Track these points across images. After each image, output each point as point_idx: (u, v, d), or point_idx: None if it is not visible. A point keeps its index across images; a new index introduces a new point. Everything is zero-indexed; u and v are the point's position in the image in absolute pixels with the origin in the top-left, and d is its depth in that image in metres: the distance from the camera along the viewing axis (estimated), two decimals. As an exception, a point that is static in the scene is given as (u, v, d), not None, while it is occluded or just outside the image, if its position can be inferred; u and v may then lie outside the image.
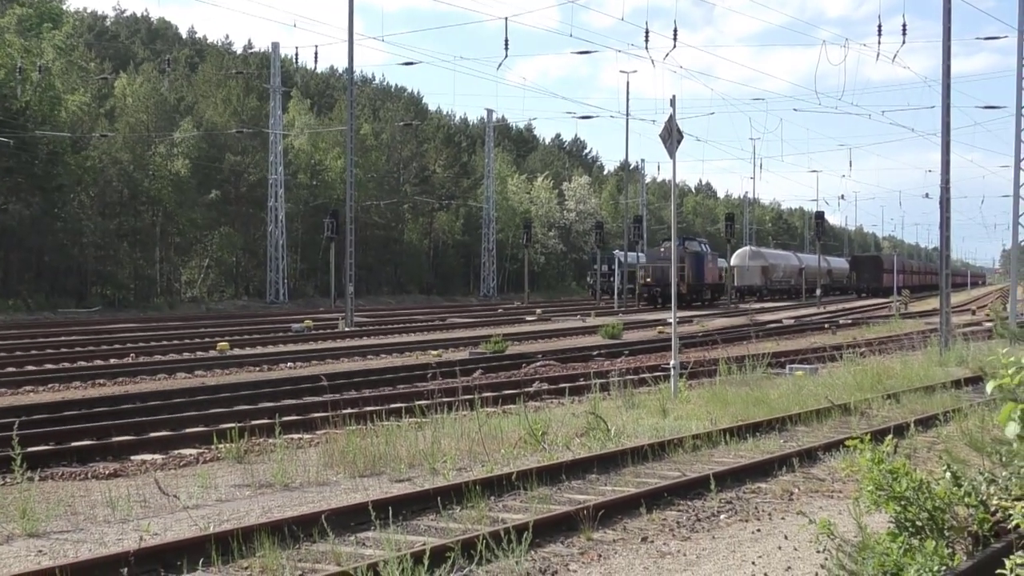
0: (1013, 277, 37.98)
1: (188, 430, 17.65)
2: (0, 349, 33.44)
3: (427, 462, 13.86)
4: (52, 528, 10.91)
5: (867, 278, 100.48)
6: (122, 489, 12.55)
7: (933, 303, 58.56)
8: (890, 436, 9.24)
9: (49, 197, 62.96)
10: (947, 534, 7.83)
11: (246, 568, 9.41)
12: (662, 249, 68.92)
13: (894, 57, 47.10)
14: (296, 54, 79.69)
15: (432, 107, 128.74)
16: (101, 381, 25.40)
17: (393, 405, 19.44)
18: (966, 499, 7.94)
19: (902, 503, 7.85)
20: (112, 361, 30.80)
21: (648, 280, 68.80)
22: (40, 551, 10.09)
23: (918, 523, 7.83)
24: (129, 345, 35.40)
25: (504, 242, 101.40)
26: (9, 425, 13.90)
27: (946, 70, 31.34)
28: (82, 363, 30.08)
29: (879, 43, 39.13)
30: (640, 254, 74.40)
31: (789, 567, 9.51)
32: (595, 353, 32.49)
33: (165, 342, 36.98)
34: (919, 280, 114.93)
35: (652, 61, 66.15)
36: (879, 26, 38.03)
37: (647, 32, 40.76)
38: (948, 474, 8.11)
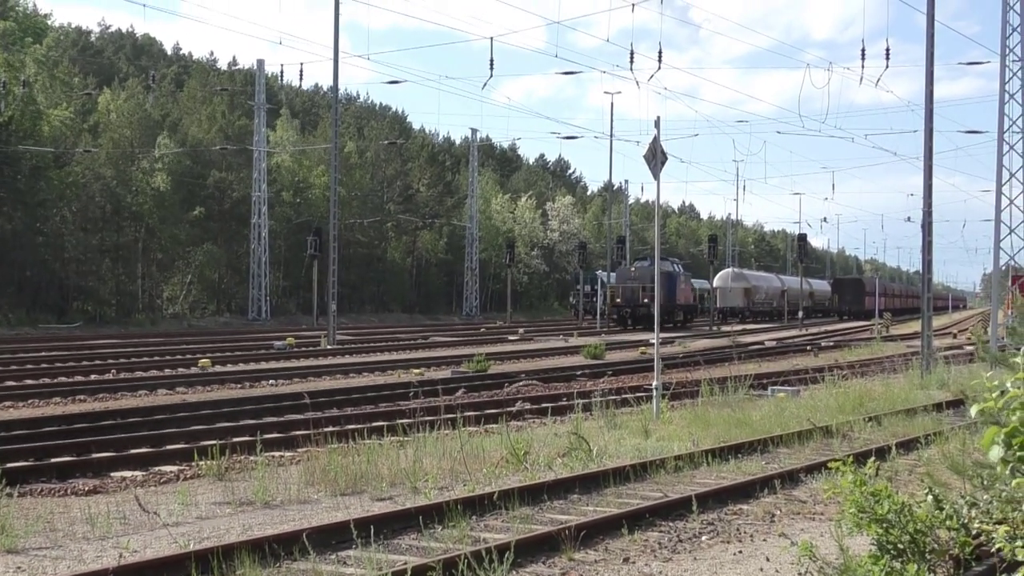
0: (994, 301, 38.10)
1: (169, 447, 17.58)
2: (-20, 364, 33.31)
3: (409, 481, 13.83)
4: (31, 544, 10.85)
5: (849, 300, 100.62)
6: (102, 506, 12.51)
7: (915, 326, 58.81)
8: (872, 459, 9.28)
9: (31, 212, 62.78)
10: (929, 557, 7.85)
11: (226, 586, 9.36)
12: (632, 269, 68.19)
13: (877, 81, 47.25)
14: (281, 71, 79.32)
15: (416, 126, 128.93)
16: (81, 397, 25.29)
17: (375, 423, 19.43)
18: (948, 522, 7.96)
19: (884, 525, 7.86)
20: (93, 377, 30.67)
21: (618, 301, 67.71)
22: (19, 568, 10.03)
23: (900, 546, 7.85)
24: (110, 361, 35.30)
25: (487, 261, 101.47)
26: (-12, 440, 13.83)
27: (929, 95, 31.49)
28: (62, 379, 29.91)
29: (862, 67, 39.54)
30: (611, 274, 73.96)
31: (771, 589, 9.50)
32: (578, 373, 32.47)
33: (146, 358, 36.87)
34: (900, 303, 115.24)
35: (637, 82, 66.14)
36: (862, 50, 38.32)
37: (632, 53, 40.75)
38: (930, 497, 8.13)
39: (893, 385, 26.05)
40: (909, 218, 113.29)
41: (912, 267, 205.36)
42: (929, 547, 7.87)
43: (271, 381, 29.94)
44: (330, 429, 17.52)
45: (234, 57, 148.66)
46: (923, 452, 16.21)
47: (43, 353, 38.26)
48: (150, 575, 9.35)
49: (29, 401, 24.34)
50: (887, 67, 39.38)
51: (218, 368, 33.56)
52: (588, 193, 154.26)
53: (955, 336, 62.32)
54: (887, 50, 38.15)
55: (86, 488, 14.40)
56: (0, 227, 61.21)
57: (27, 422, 19.94)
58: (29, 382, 28.79)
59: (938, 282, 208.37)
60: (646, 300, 64.08)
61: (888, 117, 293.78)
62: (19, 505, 12.54)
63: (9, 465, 14.39)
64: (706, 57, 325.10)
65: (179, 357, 37.45)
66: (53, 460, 16.06)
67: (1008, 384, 6.91)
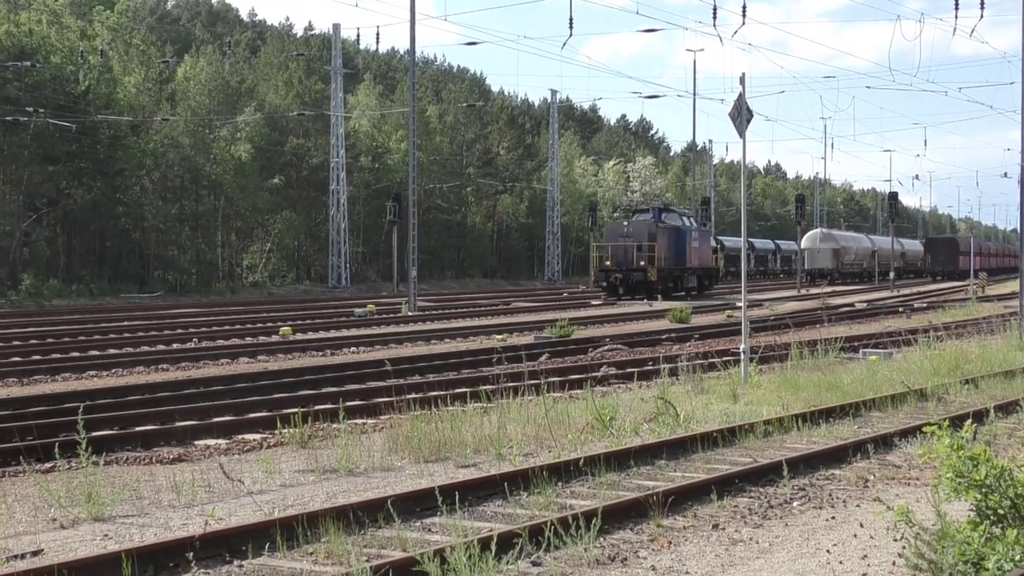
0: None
1: (251, 415, 17.58)
2: (64, 334, 33.71)
3: (493, 447, 13.72)
4: (117, 512, 10.90)
5: (942, 260, 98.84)
6: (186, 474, 12.52)
7: (1012, 286, 57.59)
8: (969, 422, 9.01)
9: (110, 182, 63.39)
10: (1030, 522, 7.61)
11: (311, 553, 9.35)
12: (625, 224, 57.33)
13: (972, 31, 46.12)
14: (358, 35, 79.65)
15: (495, 88, 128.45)
16: (164, 366, 25.47)
17: (458, 390, 19.26)
18: (1050, 486, 7.72)
19: (983, 491, 7.66)
20: (175, 346, 30.88)
21: (607, 263, 54.93)
22: (106, 535, 10.08)
23: (1000, 511, 7.65)
24: (191, 330, 35.51)
25: (569, 225, 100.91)
26: (74, 410, 13.87)
27: (1024, 45, 30.63)
28: (145, 348, 30.20)
29: (956, 17, 38.48)
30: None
31: (865, 555, 9.29)
32: (663, 337, 32.14)
33: (227, 327, 37.09)
34: (997, 263, 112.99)
35: (720, 38, 65.69)
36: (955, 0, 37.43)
37: (715, 8, 40.39)
38: (1031, 460, 7.89)
39: (990, 347, 25.53)
40: (1006, 174, 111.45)
41: (1009, 225, 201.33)
42: (1030, 512, 7.63)
43: (352, 348, 29.97)
44: (413, 396, 17.46)
45: (310, 22, 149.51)
46: (1023, 415, 15.83)
47: (125, 323, 38.60)
48: (236, 542, 9.36)
49: (113, 370, 24.54)
50: (982, 17, 38.22)
51: (299, 336, 33.71)
52: (671, 154, 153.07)
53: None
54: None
55: (171, 456, 14.42)
56: (80, 197, 61.96)
57: (112, 391, 20.05)
58: (112, 351, 29.11)
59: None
60: (642, 263, 53.63)
61: (984, 69, 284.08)
62: (105, 473, 12.60)
63: (95, 434, 14.43)
64: (799, 10, 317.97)
65: (260, 325, 37.68)
66: (138, 428, 16.15)
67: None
